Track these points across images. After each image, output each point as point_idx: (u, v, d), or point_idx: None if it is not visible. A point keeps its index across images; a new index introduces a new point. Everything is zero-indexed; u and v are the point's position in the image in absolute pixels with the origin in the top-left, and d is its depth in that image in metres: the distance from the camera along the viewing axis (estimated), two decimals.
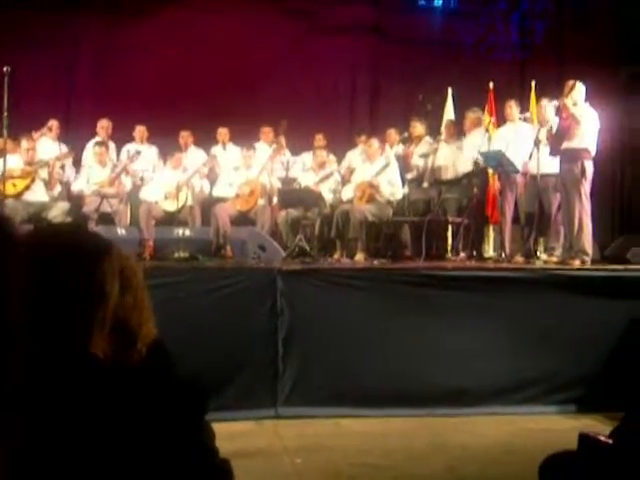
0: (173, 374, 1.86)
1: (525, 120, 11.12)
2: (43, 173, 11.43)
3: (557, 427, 7.32)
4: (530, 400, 8.05)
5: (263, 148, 12.63)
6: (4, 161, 10.58)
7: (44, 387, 1.53)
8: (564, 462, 3.42)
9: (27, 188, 11.19)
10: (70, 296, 1.72)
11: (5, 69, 10.32)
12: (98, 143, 12.06)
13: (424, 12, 15.80)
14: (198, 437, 1.82)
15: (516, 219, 10.79)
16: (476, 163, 10.83)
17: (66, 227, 2.16)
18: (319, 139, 12.91)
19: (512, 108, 11.13)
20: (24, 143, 11.38)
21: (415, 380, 7.87)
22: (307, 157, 12.64)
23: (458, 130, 11.97)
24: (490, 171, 11.26)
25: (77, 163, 12.42)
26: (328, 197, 11.65)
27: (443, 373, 7.92)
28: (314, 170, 12.15)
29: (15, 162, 11.15)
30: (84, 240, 1.88)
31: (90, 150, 12.26)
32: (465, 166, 11.19)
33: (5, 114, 10.39)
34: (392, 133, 12.78)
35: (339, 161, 12.92)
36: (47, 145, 12.07)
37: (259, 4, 14.69)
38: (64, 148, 12.09)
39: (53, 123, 12.25)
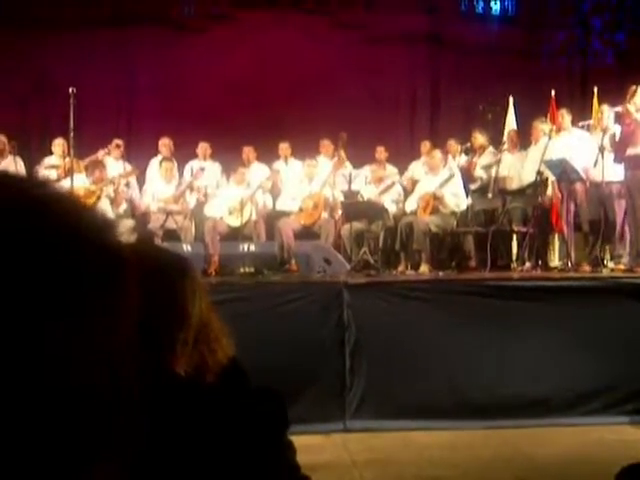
0: (253, 390, 1.88)
1: (587, 128, 11.03)
2: (108, 191, 11.59)
3: (629, 437, 7.22)
4: (601, 410, 7.93)
5: (324, 162, 12.66)
6: (71, 181, 10.73)
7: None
8: None
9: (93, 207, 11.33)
10: (155, 317, 1.75)
11: (70, 90, 10.49)
12: (164, 160, 12.17)
13: (481, 20, 15.74)
14: (282, 453, 1.82)
15: (578, 227, 10.69)
16: (540, 172, 10.73)
17: (146, 246, 2.17)
18: (380, 151, 12.91)
19: (564, 117, 11.05)
20: (93, 163, 11.57)
21: (483, 391, 7.82)
22: (369, 170, 12.65)
23: (522, 139, 11.89)
24: (551, 179, 11.15)
25: (141, 181, 12.57)
26: (391, 208, 11.65)
27: (511, 384, 7.85)
28: (374, 183, 12.16)
29: (81, 181, 11.31)
30: (166, 259, 1.89)
31: (155, 167, 12.39)
32: (530, 176, 11.09)
33: (71, 134, 10.56)
34: (453, 144, 12.75)
35: (401, 172, 12.92)
36: (111, 163, 12.24)
37: (314, 18, 14.80)
38: (128, 166, 12.25)
39: (118, 142, 12.41)
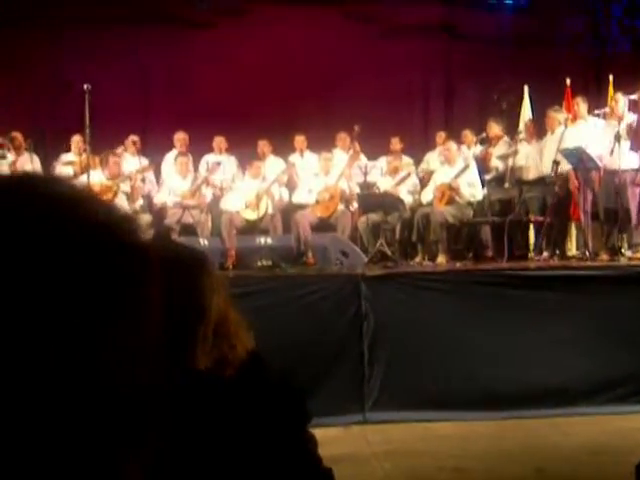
0: (274, 384, 1.88)
1: (603, 116, 11.00)
2: (125, 187, 11.63)
3: None
4: (620, 399, 7.92)
5: (339, 154, 12.66)
6: (87, 177, 10.78)
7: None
8: None
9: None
10: (176, 313, 1.75)
11: (85, 87, 10.53)
12: (180, 155, 12.19)
13: (495, 9, 15.68)
14: (304, 446, 1.82)
15: (595, 216, 10.65)
16: (556, 161, 10.69)
17: (165, 242, 2.16)
18: (395, 142, 12.89)
19: (579, 105, 11.04)
20: (110, 158, 11.61)
21: (502, 381, 7.82)
22: (384, 161, 12.63)
23: (538, 129, 11.86)
24: (567, 168, 11.10)
25: (156, 176, 12.61)
26: (407, 199, 11.64)
27: (530, 374, 7.84)
28: (390, 174, 12.17)
29: (97, 177, 11.35)
30: (184, 255, 1.89)
31: (170, 162, 12.42)
32: (547, 165, 11.05)
33: (87, 131, 10.60)
34: (468, 134, 12.72)
35: (416, 163, 12.91)
36: (128, 159, 12.27)
37: (327, 11, 14.76)
38: (144, 161, 12.27)
39: (134, 138, 12.44)
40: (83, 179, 10.76)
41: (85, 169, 11.06)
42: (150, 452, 0.72)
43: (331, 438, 7.06)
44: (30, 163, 11.85)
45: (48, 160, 12.23)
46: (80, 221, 0.67)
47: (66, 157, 12.16)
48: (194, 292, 1.80)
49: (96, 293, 0.65)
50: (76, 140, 11.90)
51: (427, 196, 11.61)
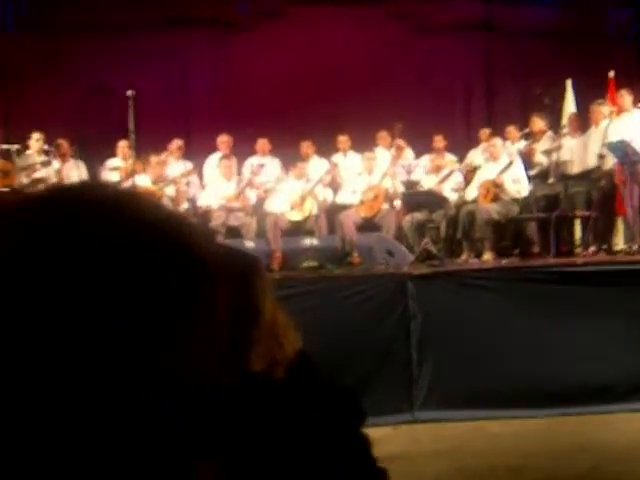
0: (327, 383, 1.88)
1: None
2: (169, 191, 11.70)
3: None
4: None
5: (382, 153, 12.65)
6: (133, 182, 10.87)
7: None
8: None
9: None
10: (234, 316, 1.76)
11: (129, 93, 10.63)
12: (224, 157, 12.25)
13: (535, 3, 15.56)
14: (361, 446, 1.82)
15: None
16: (601, 155, 10.59)
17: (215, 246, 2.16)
18: (438, 140, 12.83)
19: (624, 97, 10.93)
20: (153, 160, 11.71)
21: (550, 378, 7.76)
22: (428, 159, 12.61)
23: (582, 123, 11.77)
24: (612, 162, 11.00)
25: (199, 179, 12.69)
26: (451, 197, 11.61)
27: (580, 370, 7.77)
28: (434, 172, 12.15)
29: (143, 182, 11.44)
30: (234, 256, 1.90)
31: (213, 165, 12.48)
32: (592, 159, 10.96)
33: (132, 136, 10.69)
34: (512, 130, 12.64)
35: (460, 161, 12.86)
36: (172, 163, 12.36)
37: (367, 10, 14.75)
38: (189, 165, 12.35)
39: (179, 142, 12.53)
40: (129, 184, 10.86)
41: (131, 174, 11.16)
42: (221, 452, 0.73)
43: (380, 438, 7.02)
44: (76, 170, 11.99)
45: (94, 166, 12.35)
46: (152, 231, 0.68)
47: (112, 163, 12.26)
48: (249, 295, 1.81)
49: (175, 296, 0.66)
50: (122, 146, 11.99)
51: (471, 193, 11.57)
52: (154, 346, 0.64)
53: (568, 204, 11.08)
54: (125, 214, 0.68)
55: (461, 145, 13.52)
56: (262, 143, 12.78)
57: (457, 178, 12.13)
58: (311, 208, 11.54)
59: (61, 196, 0.73)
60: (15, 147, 11.60)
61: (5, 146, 11.61)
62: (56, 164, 11.81)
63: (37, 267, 0.63)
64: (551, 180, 11.61)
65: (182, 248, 0.69)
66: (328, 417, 1.78)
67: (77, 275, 0.63)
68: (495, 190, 11.12)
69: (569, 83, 13.08)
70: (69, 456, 0.62)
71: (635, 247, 10.25)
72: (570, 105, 12.95)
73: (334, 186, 12.45)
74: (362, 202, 11.56)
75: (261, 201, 12.15)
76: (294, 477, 1.68)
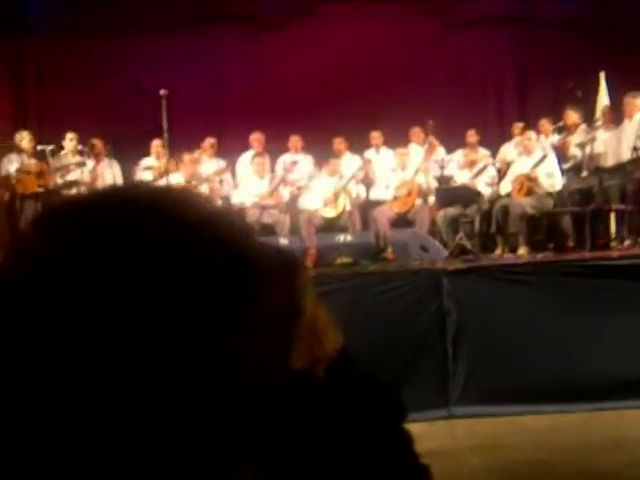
0: (368, 380, 1.89)
1: None
2: (203, 189, 11.74)
3: None
4: None
5: (415, 149, 12.65)
6: (167, 181, 10.91)
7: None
8: None
9: None
10: (274, 315, 1.76)
11: (162, 92, 10.68)
12: (257, 155, 12.28)
13: None
14: (403, 442, 1.83)
15: None
16: (636, 148, 10.52)
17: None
18: (471, 135, 12.80)
19: None
20: (186, 158, 11.76)
21: (585, 373, 7.70)
22: (461, 154, 12.59)
23: (615, 115, 11.68)
24: None
25: (233, 177, 12.72)
26: (485, 191, 11.59)
27: (616, 364, 7.72)
28: (467, 167, 12.12)
29: (176, 180, 11.48)
30: (274, 254, 1.90)
31: (246, 163, 12.51)
32: (626, 152, 10.89)
33: (165, 135, 10.74)
34: (545, 123, 12.59)
35: (493, 155, 12.82)
36: (205, 161, 12.40)
37: (397, 7, 14.72)
38: (222, 163, 12.39)
39: (212, 141, 12.57)
40: (162, 183, 10.90)
41: (164, 173, 11.21)
42: (262, 451, 0.74)
43: (417, 434, 7.00)
44: (110, 169, 12.08)
45: (127, 166, 12.42)
46: (204, 229, 0.70)
47: (146, 162, 12.33)
48: (290, 292, 1.82)
49: (225, 296, 0.68)
50: (156, 145, 12.06)
51: (505, 187, 11.53)
52: (203, 345, 0.66)
53: (602, 197, 11.01)
54: (181, 214, 0.70)
55: (494, 140, 13.48)
56: (295, 140, 12.80)
57: (491, 172, 12.09)
58: (344, 204, 11.55)
59: (118, 195, 0.75)
60: (49, 147, 11.68)
61: (40, 147, 11.70)
62: (90, 164, 11.89)
63: (93, 269, 0.65)
64: (585, 173, 11.54)
65: (234, 247, 0.71)
66: (370, 414, 1.79)
67: (131, 277, 0.65)
68: (529, 184, 11.07)
69: (602, 75, 12.98)
70: (109, 456, 0.64)
71: None
72: (603, 98, 12.86)
73: (367, 182, 12.46)
74: (395, 198, 11.56)
75: (294, 198, 12.17)
76: (337, 475, 1.70)
